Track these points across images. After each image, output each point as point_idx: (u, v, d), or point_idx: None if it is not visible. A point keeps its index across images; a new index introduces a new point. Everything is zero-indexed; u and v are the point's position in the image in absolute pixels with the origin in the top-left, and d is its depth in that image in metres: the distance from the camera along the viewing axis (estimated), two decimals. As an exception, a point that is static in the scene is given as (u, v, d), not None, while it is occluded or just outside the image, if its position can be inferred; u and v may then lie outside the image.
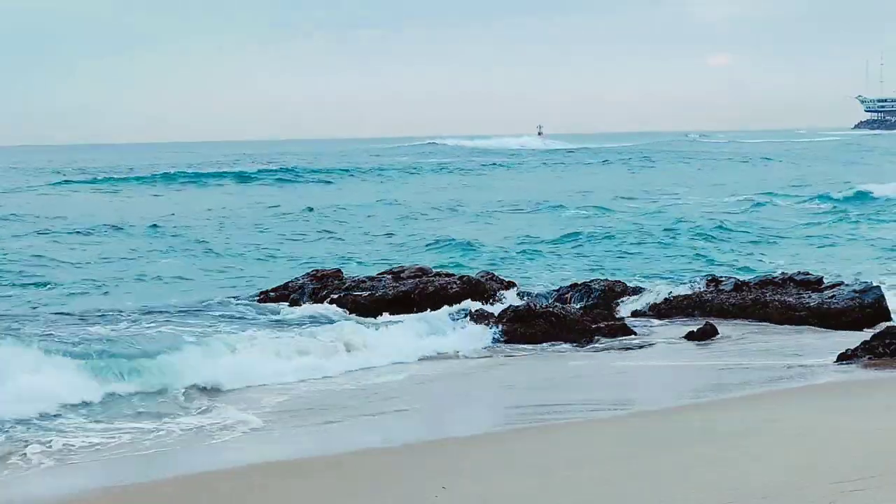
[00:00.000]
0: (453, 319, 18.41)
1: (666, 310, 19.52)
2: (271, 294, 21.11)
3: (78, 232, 35.79)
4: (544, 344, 17.08)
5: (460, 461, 10.17)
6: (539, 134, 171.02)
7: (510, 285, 21.38)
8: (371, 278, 21.59)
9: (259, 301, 21.06)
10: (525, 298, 19.94)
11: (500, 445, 10.79)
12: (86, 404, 12.64)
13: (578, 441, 10.95)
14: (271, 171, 73.22)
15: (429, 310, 19.42)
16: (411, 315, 18.81)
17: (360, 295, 20.52)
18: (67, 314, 19.37)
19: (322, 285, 21.05)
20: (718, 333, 17.20)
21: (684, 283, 20.78)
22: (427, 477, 9.62)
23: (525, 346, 16.99)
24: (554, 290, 20.98)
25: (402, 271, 21.67)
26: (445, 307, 19.32)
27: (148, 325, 17.77)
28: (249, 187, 62.10)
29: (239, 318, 18.98)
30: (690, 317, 19.05)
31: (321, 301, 20.53)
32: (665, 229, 34.45)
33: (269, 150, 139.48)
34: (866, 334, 16.21)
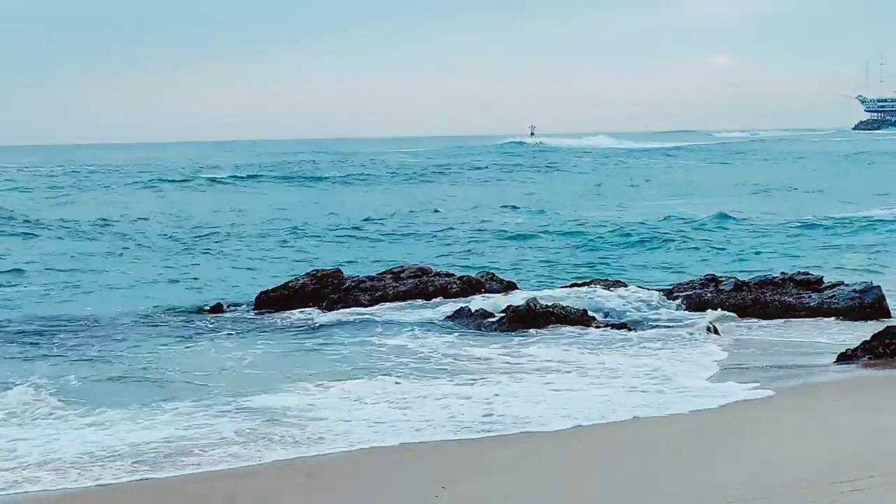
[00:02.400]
0: None
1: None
2: (271, 294, 21.04)
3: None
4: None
5: (460, 461, 10.17)
6: (531, 134, 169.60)
7: (510, 285, 21.36)
8: (371, 278, 21.55)
9: (257, 305, 20.84)
10: None
11: (499, 445, 10.78)
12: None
13: (578, 441, 10.94)
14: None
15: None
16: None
17: (361, 295, 20.51)
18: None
19: (322, 285, 21.01)
20: (719, 334, 17.19)
21: (685, 283, 20.76)
22: (427, 477, 9.62)
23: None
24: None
25: (402, 271, 21.65)
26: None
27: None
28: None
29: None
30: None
31: (322, 301, 20.48)
32: None
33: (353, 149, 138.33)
34: (866, 333, 16.23)
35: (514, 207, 44.50)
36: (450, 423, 11.67)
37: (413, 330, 17.72)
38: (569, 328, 17.69)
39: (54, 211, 45.42)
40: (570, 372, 14.44)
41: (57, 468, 10.19)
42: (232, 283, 24.78)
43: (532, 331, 17.60)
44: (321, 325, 18.68)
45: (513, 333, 17.52)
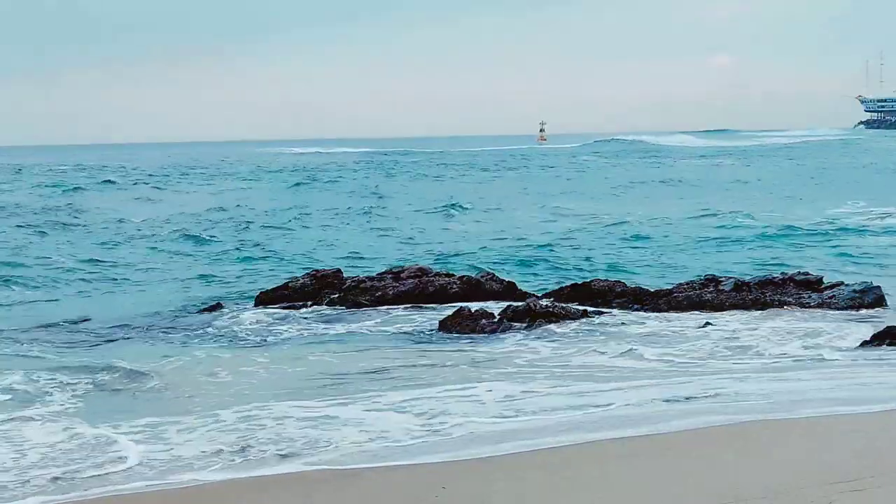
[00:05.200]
0: None
1: (667, 310, 19.47)
2: (270, 294, 21.02)
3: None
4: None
5: (460, 462, 10.16)
6: (541, 131, 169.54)
7: (510, 286, 21.34)
8: (371, 278, 21.53)
9: (256, 305, 20.84)
10: None
11: (498, 444, 10.77)
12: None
13: (577, 440, 10.93)
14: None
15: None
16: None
17: (361, 296, 20.48)
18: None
19: (322, 285, 21.00)
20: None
21: (685, 283, 20.74)
22: (427, 477, 9.62)
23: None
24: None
25: (402, 271, 21.63)
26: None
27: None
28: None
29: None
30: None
31: (320, 302, 20.46)
32: None
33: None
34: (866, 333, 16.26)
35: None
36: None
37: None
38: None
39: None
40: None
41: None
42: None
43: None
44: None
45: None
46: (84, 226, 39.96)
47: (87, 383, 14.16)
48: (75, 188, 63.26)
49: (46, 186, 65.56)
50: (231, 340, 17.54)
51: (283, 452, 10.69)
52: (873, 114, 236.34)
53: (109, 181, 71.40)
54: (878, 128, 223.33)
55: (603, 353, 15.90)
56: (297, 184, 67.86)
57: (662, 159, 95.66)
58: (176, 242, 34.00)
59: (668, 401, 12.62)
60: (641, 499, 8.74)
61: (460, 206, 45.44)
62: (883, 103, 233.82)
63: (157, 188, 65.21)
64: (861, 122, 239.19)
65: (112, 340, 17.68)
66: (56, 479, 9.94)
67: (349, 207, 46.65)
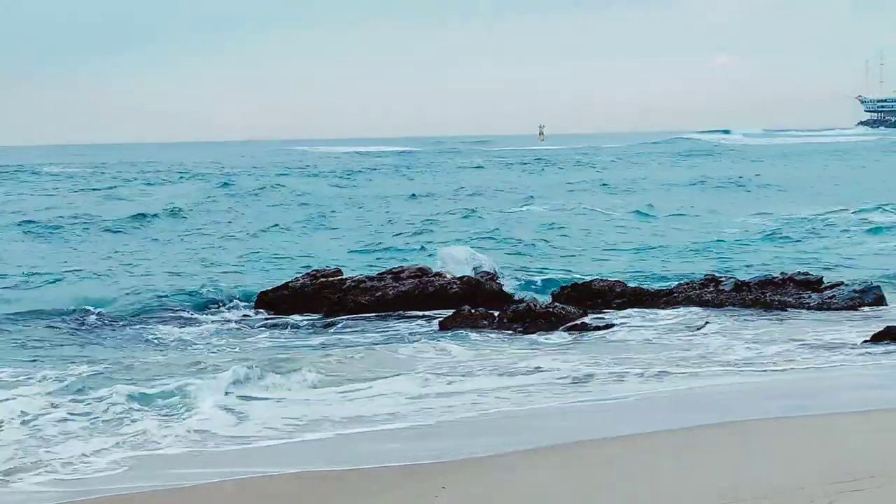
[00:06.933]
0: None
1: (667, 309, 19.50)
2: (270, 295, 21.01)
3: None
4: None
5: (460, 462, 10.17)
6: (540, 134, 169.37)
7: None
8: (371, 278, 21.51)
9: (256, 306, 20.81)
10: None
11: (498, 443, 10.78)
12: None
13: (576, 440, 10.94)
14: None
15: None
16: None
17: (361, 296, 20.47)
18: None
19: (322, 286, 20.98)
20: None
21: (685, 283, 20.75)
22: (427, 477, 9.63)
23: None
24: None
25: (402, 271, 21.61)
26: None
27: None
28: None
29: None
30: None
31: (320, 303, 20.45)
32: None
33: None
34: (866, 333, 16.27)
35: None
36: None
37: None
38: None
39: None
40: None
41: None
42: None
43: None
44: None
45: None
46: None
47: (56, 377, 14.07)
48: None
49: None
50: (206, 346, 17.38)
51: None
52: (873, 114, 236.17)
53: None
54: (877, 128, 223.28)
55: (600, 352, 15.92)
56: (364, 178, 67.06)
57: (752, 158, 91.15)
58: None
59: (665, 400, 12.64)
60: (641, 498, 8.74)
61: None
62: (883, 103, 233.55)
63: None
64: (861, 123, 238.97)
65: (83, 339, 17.78)
66: (13, 469, 10.01)
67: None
